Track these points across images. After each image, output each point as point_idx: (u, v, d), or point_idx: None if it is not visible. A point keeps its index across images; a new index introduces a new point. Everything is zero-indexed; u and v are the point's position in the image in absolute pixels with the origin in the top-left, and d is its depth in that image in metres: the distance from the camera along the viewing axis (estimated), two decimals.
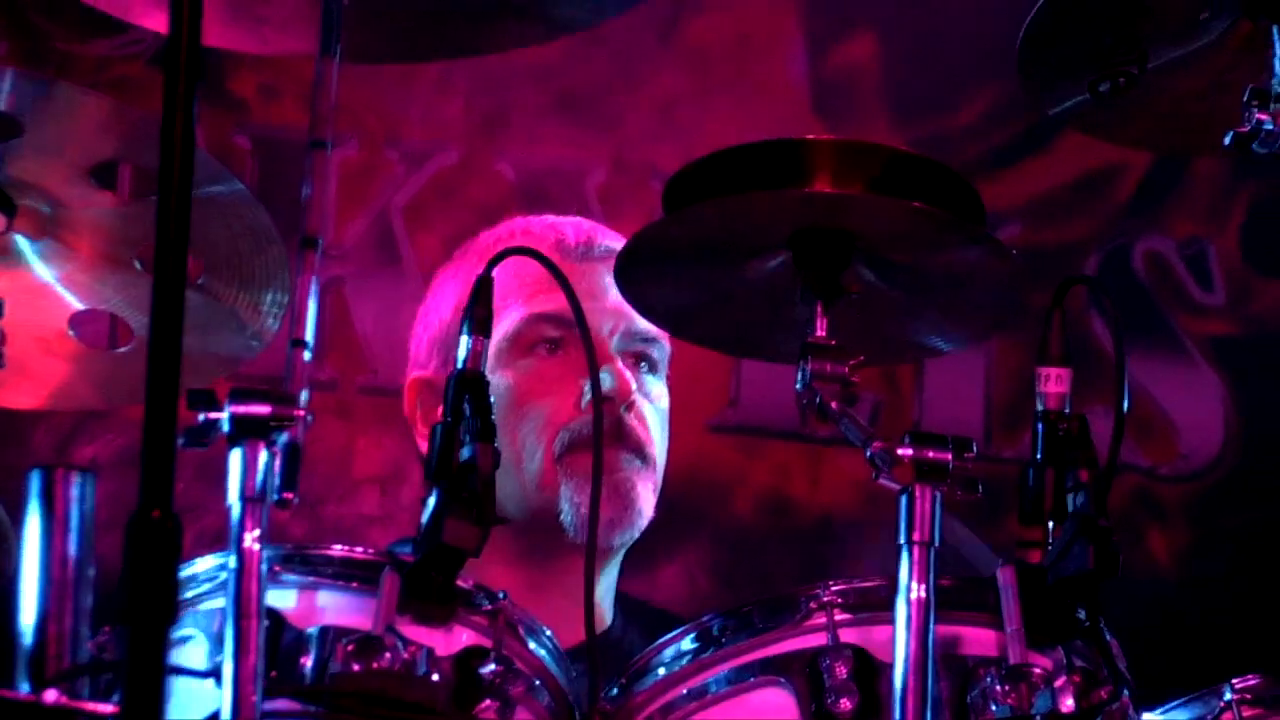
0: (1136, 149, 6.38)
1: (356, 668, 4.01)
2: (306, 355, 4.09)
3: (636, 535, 5.32)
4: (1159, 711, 4.42)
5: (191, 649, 3.95)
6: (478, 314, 4.23)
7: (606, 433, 5.15)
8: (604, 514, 5.18)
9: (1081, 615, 4.15)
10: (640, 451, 5.32)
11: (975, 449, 4.16)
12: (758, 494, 5.62)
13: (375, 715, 3.93)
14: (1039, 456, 4.26)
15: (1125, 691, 4.22)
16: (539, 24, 5.08)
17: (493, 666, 4.13)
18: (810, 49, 7.14)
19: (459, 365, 4.19)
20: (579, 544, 5.23)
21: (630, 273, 4.53)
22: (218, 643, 3.83)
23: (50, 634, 3.99)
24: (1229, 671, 4.38)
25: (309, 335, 4.06)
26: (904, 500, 4.07)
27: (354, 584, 4.22)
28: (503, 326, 5.29)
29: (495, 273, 4.55)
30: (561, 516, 5.20)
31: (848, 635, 4.24)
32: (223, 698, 3.77)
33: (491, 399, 4.27)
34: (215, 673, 3.81)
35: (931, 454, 4.06)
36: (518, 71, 6.71)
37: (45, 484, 4.03)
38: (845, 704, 4.18)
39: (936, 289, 4.60)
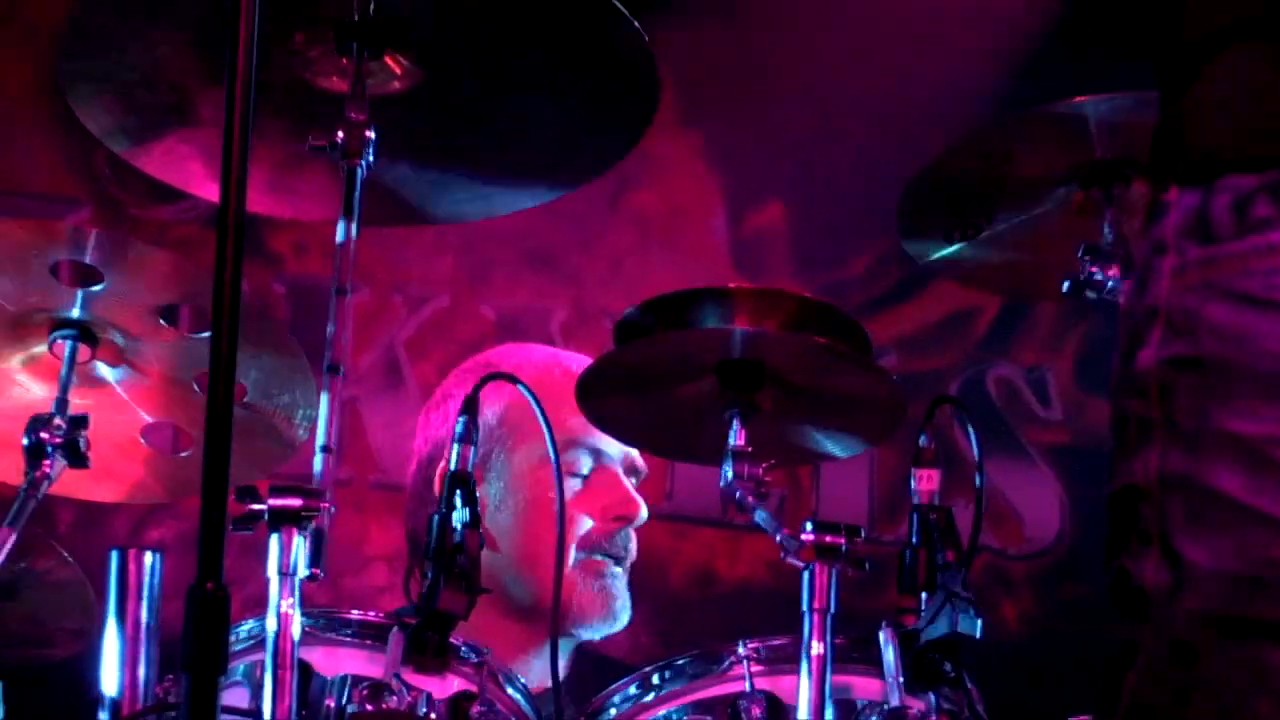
0: (990, 294, 6.38)
1: (370, 708, 4.01)
2: (331, 459, 4.10)
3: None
4: None
5: (237, 693, 3.88)
6: (467, 424, 4.22)
7: (619, 554, 5.32)
8: (600, 613, 5.22)
9: (948, 668, 4.15)
10: (629, 560, 5.33)
11: (862, 534, 4.16)
12: (688, 569, 5.62)
13: None
14: (914, 540, 4.26)
15: None
16: (513, 197, 5.11)
17: (479, 708, 4.12)
18: (729, 216, 7.19)
19: (451, 467, 4.19)
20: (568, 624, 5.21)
21: (589, 393, 4.52)
22: (259, 688, 3.81)
23: (126, 681, 4.00)
24: (1067, 712, 4.38)
25: (332, 442, 4.07)
26: (806, 575, 4.06)
27: (367, 641, 4.18)
28: (541, 447, 4.99)
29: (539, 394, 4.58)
30: (567, 608, 5.12)
31: (761, 683, 4.22)
32: None
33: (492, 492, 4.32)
34: (257, 713, 3.80)
35: (828, 538, 4.06)
36: (496, 233, 6.70)
37: (122, 561, 4.04)
38: None
39: (832, 407, 4.61)
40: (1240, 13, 2.31)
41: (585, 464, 5.21)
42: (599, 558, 5.19)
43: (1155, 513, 2.24)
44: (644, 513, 5.28)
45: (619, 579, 5.18)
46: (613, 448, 5.25)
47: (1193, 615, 2.18)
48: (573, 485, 5.21)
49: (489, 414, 5.16)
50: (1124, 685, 2.26)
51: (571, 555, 5.18)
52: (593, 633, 5.14)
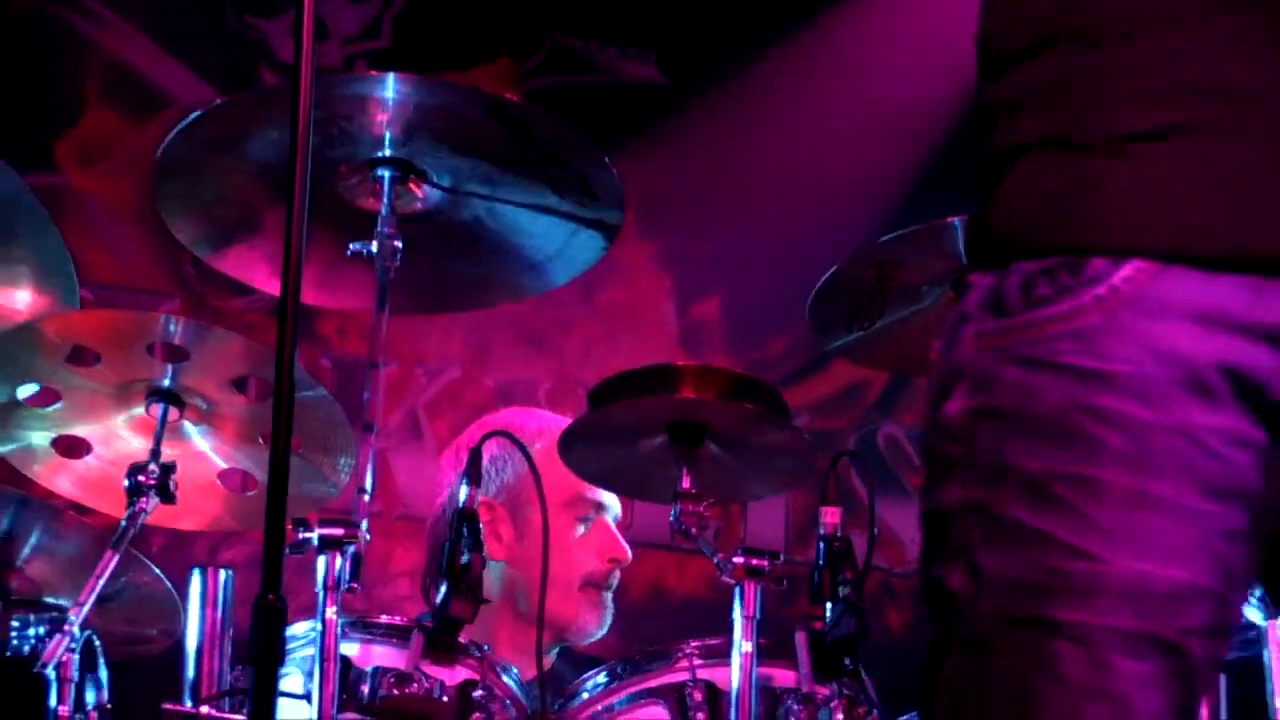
0: (880, 369, 6.37)
1: (396, 693, 4.03)
2: (366, 497, 4.10)
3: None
4: None
5: (292, 680, 3.86)
6: (472, 472, 4.22)
7: (610, 585, 5.32)
8: (595, 627, 5.22)
9: (847, 662, 4.15)
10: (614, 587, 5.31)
11: (781, 557, 4.19)
12: (644, 584, 5.59)
13: None
14: (820, 563, 4.25)
15: (875, 710, 4.22)
16: (509, 292, 5.12)
17: (480, 691, 4.14)
18: (677, 308, 7.18)
19: (460, 504, 4.19)
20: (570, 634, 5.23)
21: (569, 447, 4.52)
22: (309, 676, 3.81)
23: (204, 671, 4.00)
24: None
25: (367, 484, 4.06)
26: (738, 589, 4.08)
27: (394, 640, 4.21)
28: (563, 494, 5.09)
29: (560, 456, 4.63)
30: (576, 623, 5.14)
31: (702, 673, 4.24)
32: (312, 712, 3.80)
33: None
34: (307, 695, 3.81)
35: (755, 561, 4.08)
36: (495, 320, 6.72)
37: (202, 577, 4.10)
38: (700, 716, 4.19)
39: (758, 457, 4.60)
40: (1044, 131, 2.31)
41: (591, 513, 5.18)
42: (595, 589, 5.17)
43: (960, 532, 2.22)
44: (629, 556, 5.25)
45: (608, 602, 5.16)
46: (610, 501, 5.20)
47: (990, 614, 2.17)
48: (579, 530, 5.20)
49: (511, 471, 5.12)
50: (941, 670, 2.26)
51: (577, 585, 5.17)
52: (587, 640, 5.10)
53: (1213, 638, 2.20)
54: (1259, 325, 2.18)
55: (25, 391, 4.41)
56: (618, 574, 5.20)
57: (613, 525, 5.21)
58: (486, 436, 4.71)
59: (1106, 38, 2.29)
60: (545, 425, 4.80)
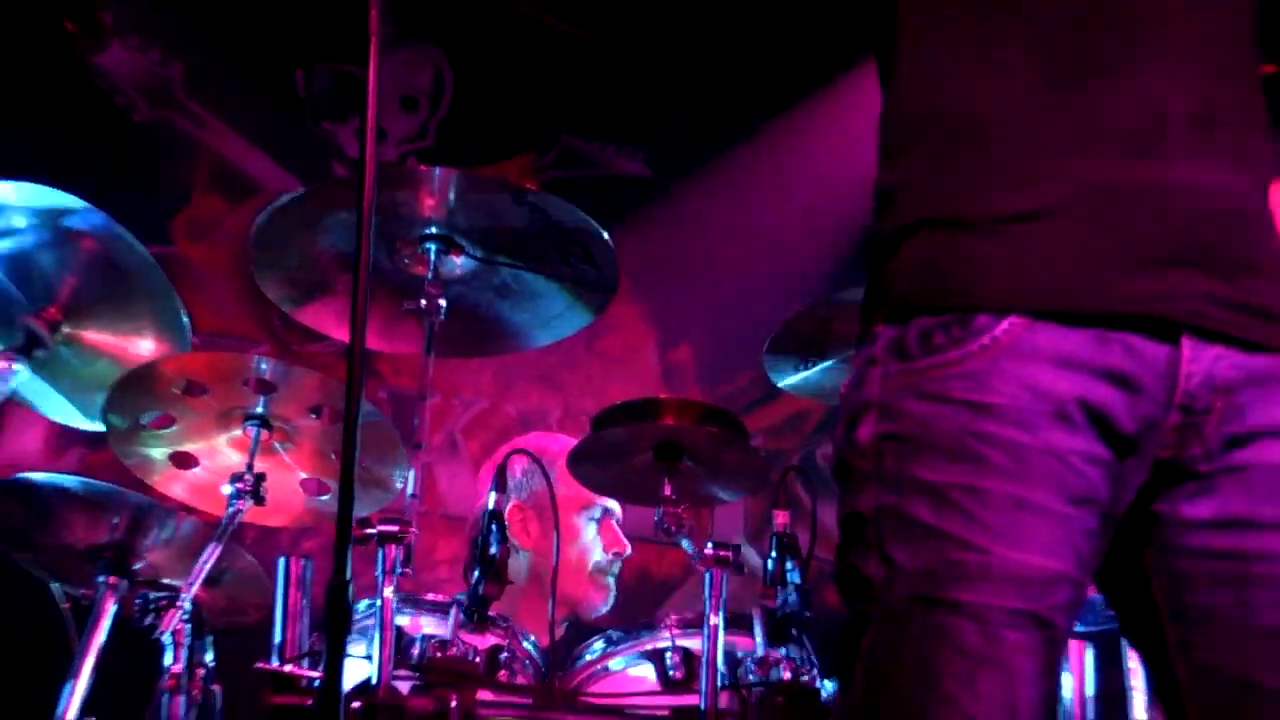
0: (819, 401, 6.34)
1: (438, 655, 4.00)
2: (415, 500, 4.11)
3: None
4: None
5: (357, 645, 3.83)
6: (500, 483, 4.21)
7: (613, 572, 5.28)
8: (600, 605, 5.20)
9: (795, 632, 4.14)
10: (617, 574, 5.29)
11: (741, 549, 4.14)
12: (634, 569, 5.57)
13: (447, 678, 3.91)
14: (774, 554, 4.24)
15: (815, 669, 4.18)
16: (528, 341, 5.08)
17: (505, 654, 4.13)
18: (660, 353, 7.18)
19: (489, 507, 4.19)
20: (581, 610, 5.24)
21: (576, 463, 4.50)
22: (370, 642, 3.79)
23: (289, 637, 3.99)
24: None
25: (416, 491, 4.07)
26: (708, 575, 4.04)
27: (437, 613, 4.19)
28: (578, 501, 5.13)
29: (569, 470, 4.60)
30: (587, 602, 5.15)
31: (680, 641, 4.23)
32: (372, 670, 3.78)
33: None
34: (368, 657, 3.79)
35: (721, 552, 4.05)
36: (517, 362, 6.71)
37: (286, 563, 4.06)
38: (678, 674, 4.15)
39: (724, 470, 4.56)
40: (924, 214, 2.32)
41: (599, 514, 5.16)
42: (601, 575, 5.15)
43: (874, 531, 2.23)
44: (629, 549, 5.23)
45: (611, 586, 5.14)
46: (613, 505, 5.18)
47: (901, 596, 2.18)
48: (589, 528, 5.18)
49: (538, 482, 5.03)
50: (860, 645, 2.25)
51: (587, 571, 5.17)
52: (594, 615, 5.09)
53: (1071, 613, 2.22)
54: (1103, 367, 2.20)
55: (148, 417, 4.41)
56: (620, 564, 5.18)
57: (615, 525, 5.19)
58: (509, 454, 4.72)
59: (976, 137, 2.32)
60: (564, 446, 4.78)
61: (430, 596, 4.30)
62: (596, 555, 5.17)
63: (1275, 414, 2.26)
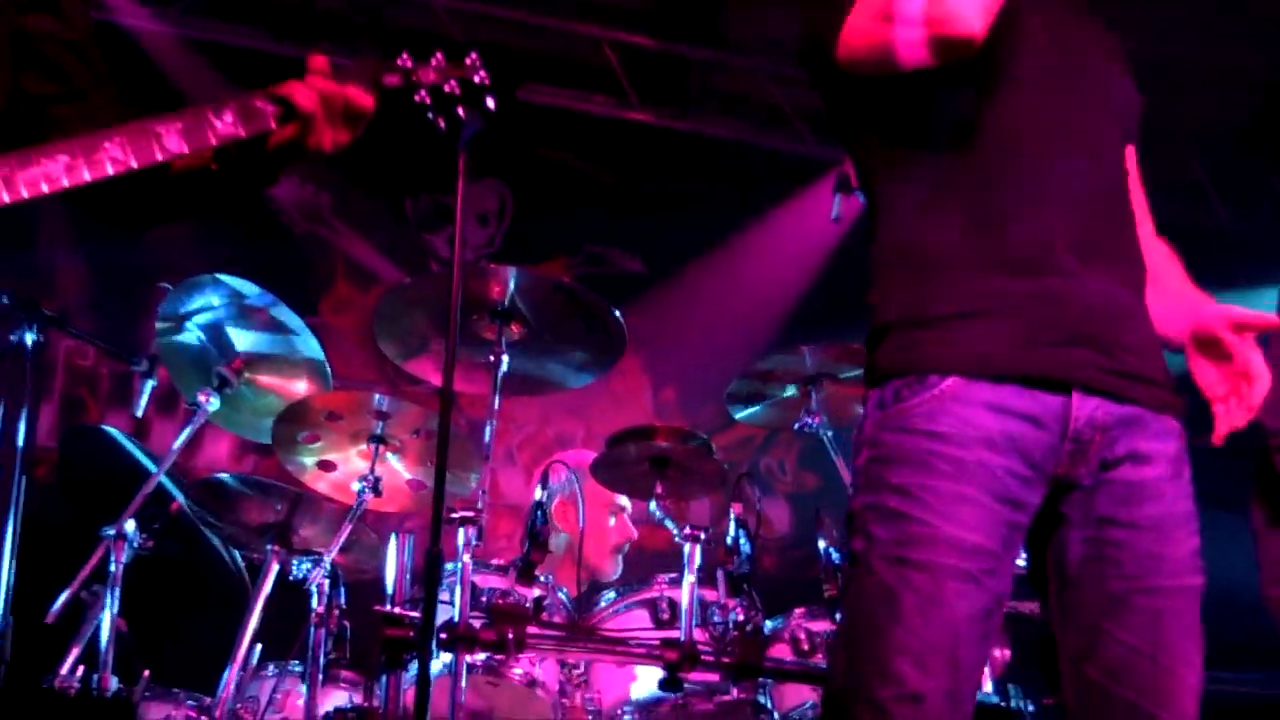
0: (761, 428, 6.28)
1: (500, 602, 3.98)
2: (483, 495, 4.10)
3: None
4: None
5: (445, 594, 3.78)
6: (545, 483, 4.21)
7: (624, 551, 5.12)
8: (614, 571, 5.04)
9: (745, 586, 4.11)
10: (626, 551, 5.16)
11: (709, 530, 4.11)
12: (636, 542, 5.51)
13: (506, 617, 3.88)
14: (730, 533, 4.18)
15: (759, 614, 4.09)
16: (560, 384, 4.95)
17: (547, 602, 4.09)
18: (653, 393, 7.17)
19: (537, 500, 4.16)
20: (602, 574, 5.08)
21: (597, 471, 4.47)
22: (453, 591, 3.75)
23: (399, 588, 3.97)
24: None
25: (485, 488, 4.07)
26: (685, 547, 3.98)
27: (499, 573, 4.15)
28: (603, 499, 4.97)
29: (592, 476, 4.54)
30: (604, 569, 5.01)
31: (667, 593, 4.21)
32: (455, 610, 3.72)
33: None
34: (452, 602, 3.76)
35: (695, 531, 4.00)
36: (555, 399, 6.53)
37: (397, 537, 4.02)
38: (665, 616, 4.14)
39: (697, 476, 4.48)
40: (895, 318, 2.34)
41: (615, 509, 5.04)
42: (615, 552, 5.04)
43: (861, 520, 2.26)
44: (635, 535, 5.14)
45: (620, 560, 5.03)
46: (626, 502, 5.04)
47: (876, 558, 2.20)
48: (610, 519, 5.05)
49: (573, 484, 4.89)
50: (849, 591, 2.33)
51: (607, 549, 5.04)
52: (608, 579, 4.95)
53: (994, 577, 2.20)
54: (1018, 411, 2.21)
55: (301, 435, 4.42)
56: (628, 545, 5.08)
57: (627, 519, 5.08)
58: (550, 464, 4.67)
59: (928, 267, 2.32)
60: (587, 459, 4.74)
61: (494, 561, 4.25)
62: (613, 539, 5.06)
63: (1135, 445, 2.27)
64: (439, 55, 2.35)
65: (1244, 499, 3.12)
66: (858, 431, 2.35)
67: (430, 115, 2.35)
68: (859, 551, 2.27)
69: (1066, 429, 2.25)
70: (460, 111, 2.35)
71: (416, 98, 2.33)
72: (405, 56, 2.33)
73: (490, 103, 2.37)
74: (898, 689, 2.15)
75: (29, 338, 4.44)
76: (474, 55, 2.37)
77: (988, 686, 4.00)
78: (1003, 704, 3.88)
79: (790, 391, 4.62)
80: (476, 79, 2.35)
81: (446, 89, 2.34)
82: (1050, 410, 2.24)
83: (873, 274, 2.42)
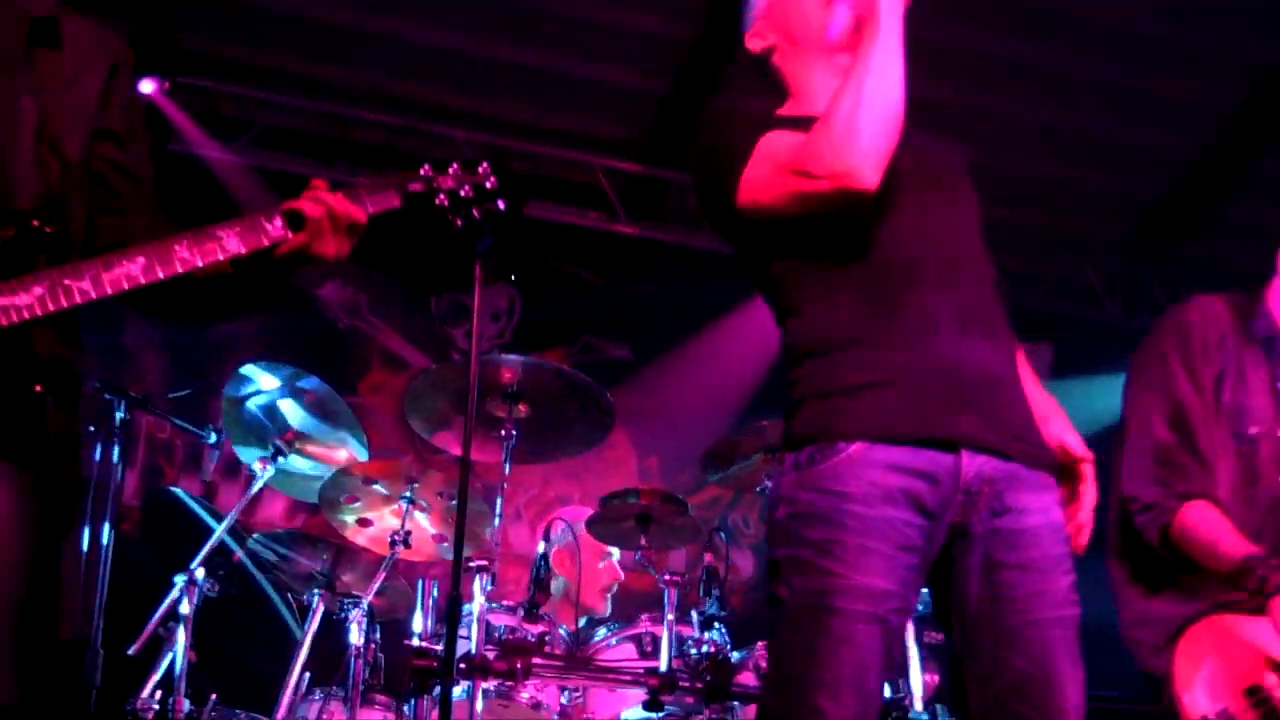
0: (728, 489, 6.09)
1: (510, 637, 3.97)
2: (496, 547, 4.09)
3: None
4: None
5: (463, 630, 3.74)
6: (546, 536, 4.21)
7: (612, 590, 5.02)
8: (603, 609, 4.92)
9: (716, 624, 4.12)
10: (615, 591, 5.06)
11: (685, 575, 4.12)
12: (621, 587, 5.43)
13: (515, 650, 3.83)
14: (703, 579, 4.22)
15: (729, 645, 4.09)
16: (563, 454, 4.98)
17: (548, 636, 4.06)
18: (638, 461, 7.05)
19: (540, 552, 4.15)
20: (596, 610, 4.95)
21: (592, 526, 4.45)
22: (469, 627, 3.76)
23: (425, 625, 3.91)
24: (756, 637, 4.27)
25: (496, 539, 4.06)
26: (665, 590, 3.99)
27: (509, 612, 4.11)
28: (597, 549, 4.89)
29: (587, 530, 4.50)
30: (596, 607, 4.90)
31: (650, 628, 4.19)
32: (471, 644, 3.74)
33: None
34: (469, 637, 3.76)
35: (673, 577, 4.02)
36: (556, 465, 6.44)
37: (423, 582, 3.98)
38: (649, 649, 4.15)
39: (673, 529, 4.48)
40: (807, 394, 2.29)
41: (606, 557, 4.94)
42: (605, 593, 4.94)
43: (782, 570, 2.20)
44: (623, 577, 5.03)
45: (610, 599, 4.92)
46: (615, 551, 4.94)
47: (797, 606, 2.17)
48: (601, 564, 4.95)
49: (570, 537, 4.74)
50: (774, 635, 2.25)
51: (599, 590, 4.93)
52: (599, 615, 4.83)
53: (901, 616, 2.18)
54: (915, 469, 2.17)
55: (343, 497, 4.40)
56: (616, 587, 4.98)
57: (615, 564, 4.99)
58: (552, 521, 4.64)
59: (830, 350, 2.29)
60: (583, 516, 4.68)
61: (505, 602, 4.22)
62: (603, 580, 4.97)
63: (1018, 499, 2.23)
64: (455, 165, 2.30)
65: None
66: (775, 488, 2.30)
67: (449, 216, 2.29)
68: (783, 598, 2.21)
69: (958, 482, 2.20)
70: (474, 212, 2.31)
71: (437, 201, 2.27)
72: (427, 167, 2.28)
73: (500, 204, 2.32)
74: (815, 717, 2.12)
75: (118, 416, 4.52)
76: (485, 165, 2.32)
77: (919, 706, 3.99)
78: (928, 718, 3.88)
79: (753, 459, 4.59)
80: (488, 184, 2.31)
81: (462, 193, 2.29)
82: (943, 467, 2.20)
83: (787, 359, 2.37)
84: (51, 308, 1.98)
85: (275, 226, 2.13)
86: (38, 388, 2.01)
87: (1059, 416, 2.43)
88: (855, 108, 2.16)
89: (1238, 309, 2.99)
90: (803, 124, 2.28)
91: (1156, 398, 2.94)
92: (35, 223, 2.02)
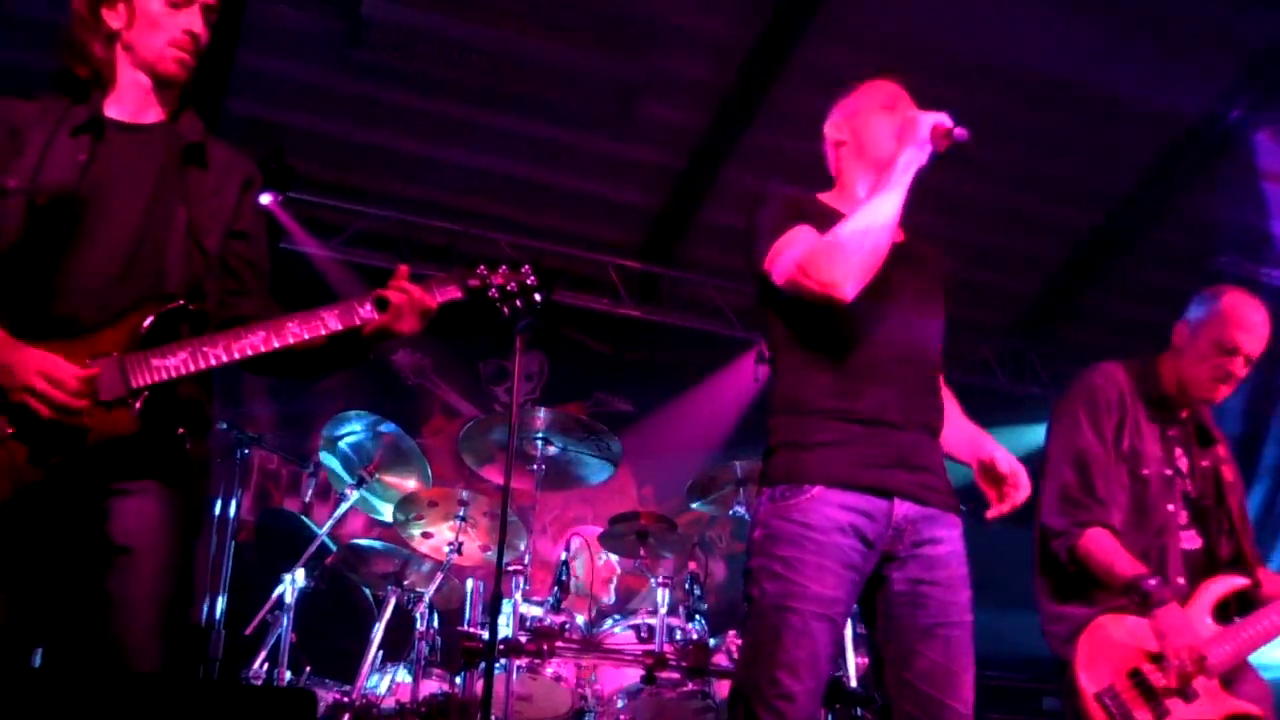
0: (709, 513, 5.87)
1: (538, 625, 3.96)
2: (529, 557, 4.04)
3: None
4: None
5: (502, 619, 3.75)
6: (567, 549, 4.16)
7: (611, 579, 4.74)
8: (607, 597, 4.68)
9: (698, 616, 4.10)
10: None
11: (674, 579, 4.10)
12: (624, 588, 5.13)
13: (542, 635, 3.84)
14: (687, 582, 4.18)
15: (708, 634, 4.05)
16: (579, 483, 4.85)
17: (568, 625, 4.03)
18: (637, 490, 6.87)
19: (562, 559, 4.12)
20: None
21: (602, 540, 4.38)
22: (509, 620, 3.73)
23: (472, 616, 3.77)
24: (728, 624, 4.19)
25: (529, 552, 3.99)
26: (659, 590, 3.99)
27: (537, 606, 4.09)
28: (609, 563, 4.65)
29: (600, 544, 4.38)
30: (601, 595, 4.68)
31: (646, 619, 4.09)
32: (506, 632, 3.70)
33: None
34: (508, 624, 3.75)
35: (665, 579, 4.01)
36: (576, 492, 6.16)
37: (472, 581, 3.78)
38: (645, 635, 4.05)
39: (665, 543, 4.37)
40: (781, 443, 2.26)
41: (610, 557, 4.70)
42: (607, 583, 4.74)
43: (756, 576, 2.19)
44: (618, 570, 4.75)
45: (613, 589, 4.72)
46: (615, 558, 4.66)
47: (765, 606, 2.16)
48: (600, 561, 4.70)
49: (586, 550, 4.62)
50: (748, 626, 2.20)
51: (606, 585, 4.73)
52: (605, 602, 4.64)
53: (844, 616, 2.19)
54: (860, 510, 2.19)
55: (411, 515, 4.36)
56: (616, 577, 4.77)
57: (613, 562, 4.76)
58: (571, 536, 4.67)
59: (803, 409, 2.27)
60: (595, 532, 4.64)
61: (534, 598, 4.17)
62: (604, 574, 4.72)
63: (933, 533, 2.24)
64: (504, 267, 2.27)
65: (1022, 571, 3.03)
66: (754, 513, 2.29)
67: (498, 305, 2.25)
68: (755, 598, 2.20)
69: (890, 521, 2.22)
70: (518, 303, 2.27)
71: (489, 294, 2.24)
72: (482, 267, 2.25)
73: (537, 296, 2.28)
74: (778, 690, 2.11)
75: (239, 452, 4.54)
76: (527, 266, 2.29)
77: (853, 681, 3.99)
78: (862, 692, 3.86)
79: (725, 489, 4.52)
80: (529, 281, 2.27)
81: (509, 287, 2.26)
82: (880, 509, 2.21)
83: (770, 411, 2.34)
84: (192, 368, 1.99)
85: (366, 309, 2.11)
86: (180, 429, 2.01)
87: (987, 440, 2.40)
88: (852, 238, 2.17)
89: (1134, 373, 2.94)
90: (834, 216, 2.26)
91: (1065, 446, 2.90)
92: (182, 302, 2.04)
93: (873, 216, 2.19)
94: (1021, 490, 2.29)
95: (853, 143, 2.44)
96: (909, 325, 2.34)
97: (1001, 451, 2.34)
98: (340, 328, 2.09)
